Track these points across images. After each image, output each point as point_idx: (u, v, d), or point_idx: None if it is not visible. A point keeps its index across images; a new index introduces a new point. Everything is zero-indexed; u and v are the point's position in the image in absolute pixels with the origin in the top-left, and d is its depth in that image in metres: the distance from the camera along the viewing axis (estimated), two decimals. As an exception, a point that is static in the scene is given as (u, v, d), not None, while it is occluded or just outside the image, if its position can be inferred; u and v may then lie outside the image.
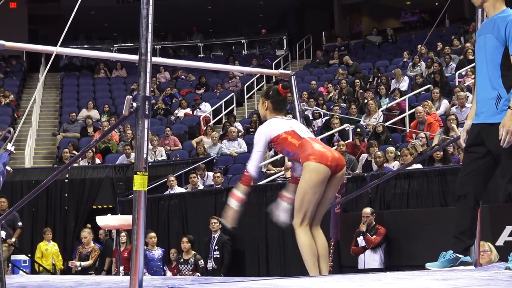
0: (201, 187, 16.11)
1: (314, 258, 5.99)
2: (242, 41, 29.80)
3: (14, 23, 26.99)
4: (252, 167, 6.13)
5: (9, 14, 25.62)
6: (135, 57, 6.55)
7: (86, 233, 15.43)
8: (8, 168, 5.01)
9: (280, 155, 16.42)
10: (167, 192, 16.06)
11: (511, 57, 5.17)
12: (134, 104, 4.52)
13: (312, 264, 5.96)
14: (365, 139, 15.79)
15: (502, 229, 10.61)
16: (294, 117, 8.56)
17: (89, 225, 15.98)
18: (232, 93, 23.29)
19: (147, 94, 4.55)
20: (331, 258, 11.57)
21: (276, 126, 6.06)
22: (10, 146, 4.94)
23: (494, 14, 5.39)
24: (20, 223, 15.07)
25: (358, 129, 16.51)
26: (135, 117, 4.57)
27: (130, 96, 4.57)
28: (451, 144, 12.86)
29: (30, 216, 16.99)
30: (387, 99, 18.23)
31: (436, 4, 27.75)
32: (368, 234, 11.89)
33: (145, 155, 4.53)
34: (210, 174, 16.51)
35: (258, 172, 6.09)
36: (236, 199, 6.35)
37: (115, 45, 29.75)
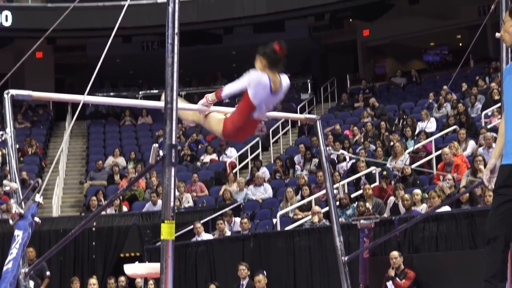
0: (228, 233, 16.08)
1: None
2: (267, 85, 29.87)
3: (41, 72, 27.31)
4: (227, 89, 6.49)
5: (36, 64, 25.94)
6: (161, 104, 6.62)
7: (94, 280, 15.42)
8: (36, 219, 5.04)
9: (307, 200, 16.40)
10: (194, 239, 16.04)
11: None
12: (161, 153, 4.56)
13: None
14: (392, 182, 15.72)
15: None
16: (320, 161, 8.58)
17: (95, 276, 15.94)
18: (258, 138, 23.30)
19: (174, 142, 4.59)
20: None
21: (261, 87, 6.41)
22: (38, 197, 4.97)
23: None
24: (48, 273, 15.09)
25: (385, 172, 16.47)
26: (162, 165, 4.60)
27: (157, 145, 4.61)
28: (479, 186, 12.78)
29: (58, 265, 17.00)
30: (413, 141, 18.18)
31: (460, 44, 27.79)
32: (397, 278, 11.80)
33: (172, 204, 4.55)
34: (237, 220, 16.48)
35: (227, 96, 6.53)
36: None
37: (140, 92, 29.90)
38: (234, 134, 6.75)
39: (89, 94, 5.88)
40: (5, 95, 6.58)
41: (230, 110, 6.89)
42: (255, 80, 6.39)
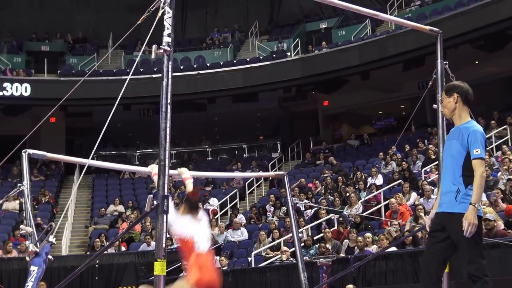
0: (210, 269, 15.93)
1: None
2: (243, 146, 29.91)
3: (54, 134, 27.20)
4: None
5: (50, 127, 25.83)
6: (147, 169, 6.68)
7: None
8: (49, 256, 5.00)
9: (277, 241, 16.34)
10: (182, 274, 15.88)
11: (472, 161, 5.29)
12: (155, 202, 4.56)
13: None
14: (348, 227, 15.72)
15: (466, 301, 10.48)
16: (288, 209, 8.58)
17: None
18: (236, 190, 23.30)
19: (166, 193, 4.59)
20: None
21: (184, 225, 5.89)
22: (51, 238, 4.94)
23: (460, 123, 5.52)
24: (57, 303, 14.84)
25: (341, 218, 16.50)
26: (156, 212, 4.59)
27: (151, 196, 4.61)
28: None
29: (65, 297, 16.73)
30: (365, 192, 18.23)
31: (404, 113, 28.05)
32: (352, 307, 11.73)
33: (164, 245, 4.54)
34: (218, 258, 16.37)
35: None
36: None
37: (137, 151, 29.87)
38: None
39: (94, 152, 5.88)
40: (23, 154, 6.58)
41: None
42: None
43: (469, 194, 5.28)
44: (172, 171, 6.62)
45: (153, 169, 6.26)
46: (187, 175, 6.31)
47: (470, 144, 5.33)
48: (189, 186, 6.10)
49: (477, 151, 5.30)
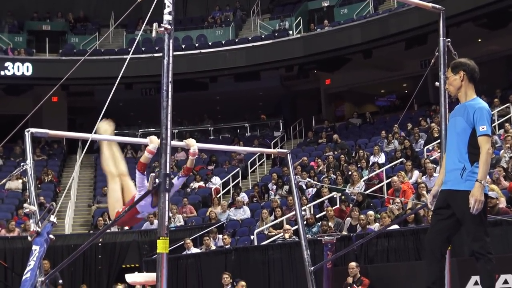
0: (213, 247, 16.00)
1: None
2: (245, 125, 29.86)
3: (56, 114, 27.16)
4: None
5: (52, 107, 25.80)
6: (146, 141, 6.85)
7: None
8: (51, 236, 5.00)
9: (280, 220, 16.37)
10: (184, 253, 15.94)
11: (478, 138, 5.24)
12: (157, 180, 4.54)
13: None
14: (350, 205, 15.74)
15: (468, 279, 10.52)
16: (290, 187, 8.57)
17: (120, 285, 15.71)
18: (238, 168, 23.31)
19: (167, 172, 4.58)
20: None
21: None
22: (52, 218, 4.93)
23: (465, 101, 5.47)
24: (61, 281, 14.92)
25: (343, 197, 16.51)
26: (158, 191, 4.58)
27: (153, 174, 4.59)
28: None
29: (69, 275, 16.84)
30: (367, 171, 18.22)
31: (406, 91, 27.99)
32: (354, 285, 11.78)
33: (166, 223, 4.53)
34: (221, 236, 16.42)
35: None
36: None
37: (140, 130, 29.80)
38: (120, 223, 7.32)
39: (96, 132, 5.87)
40: (26, 133, 6.57)
41: None
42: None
43: (475, 171, 5.24)
44: (179, 143, 7.13)
45: (151, 140, 6.69)
46: (195, 149, 6.86)
47: (476, 121, 5.29)
48: (191, 163, 6.76)
49: (483, 128, 5.26)
